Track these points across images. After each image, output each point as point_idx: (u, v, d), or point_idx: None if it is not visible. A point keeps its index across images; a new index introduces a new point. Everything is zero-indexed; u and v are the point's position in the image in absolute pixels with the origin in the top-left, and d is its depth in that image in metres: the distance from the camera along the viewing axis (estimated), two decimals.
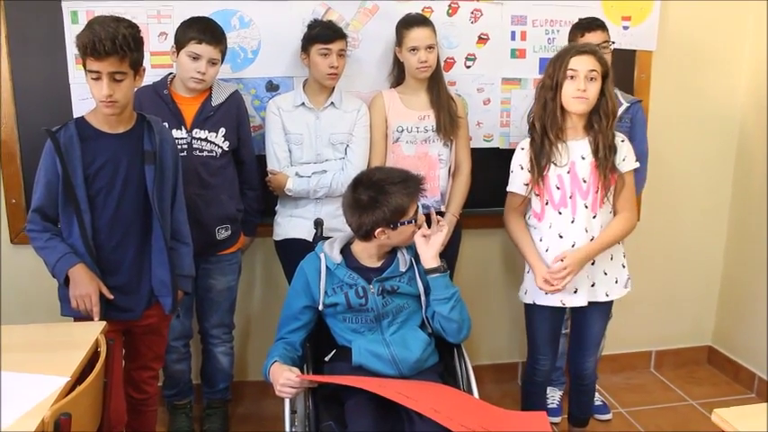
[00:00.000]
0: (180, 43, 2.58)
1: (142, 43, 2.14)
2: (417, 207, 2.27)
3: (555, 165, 2.44)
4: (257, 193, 2.92)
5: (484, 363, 3.40)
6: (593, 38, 2.80)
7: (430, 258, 2.27)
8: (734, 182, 3.56)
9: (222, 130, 2.69)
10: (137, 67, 2.13)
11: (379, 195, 2.19)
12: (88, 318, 2.15)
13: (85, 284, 2.15)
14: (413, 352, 2.21)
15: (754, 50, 3.39)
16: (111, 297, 2.20)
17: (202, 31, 2.57)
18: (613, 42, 2.89)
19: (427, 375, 2.22)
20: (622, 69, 3.12)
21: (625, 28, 3.20)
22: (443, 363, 2.34)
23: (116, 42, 2.02)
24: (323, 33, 2.72)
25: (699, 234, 3.61)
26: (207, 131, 2.67)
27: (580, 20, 2.93)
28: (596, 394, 3.26)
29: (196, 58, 2.56)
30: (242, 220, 2.88)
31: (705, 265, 3.66)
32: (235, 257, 2.90)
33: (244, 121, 2.82)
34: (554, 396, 3.23)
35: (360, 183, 2.26)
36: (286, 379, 2.05)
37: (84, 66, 2.09)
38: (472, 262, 3.32)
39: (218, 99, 2.70)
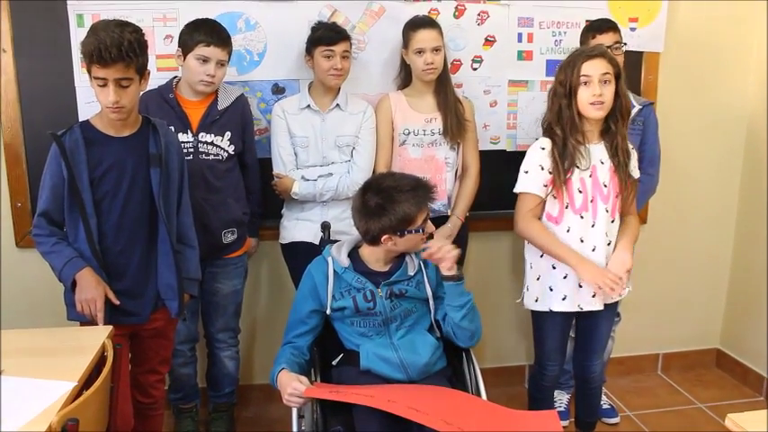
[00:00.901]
0: (187, 47, 2.56)
1: (147, 47, 2.14)
2: (427, 215, 2.25)
3: (578, 168, 2.40)
4: (258, 197, 2.91)
5: (490, 366, 3.39)
6: (604, 39, 2.79)
7: (446, 269, 2.25)
8: (742, 184, 3.55)
9: (228, 134, 2.69)
10: (142, 72, 2.13)
11: (387, 203, 2.17)
12: (94, 322, 2.14)
13: (91, 289, 2.14)
14: (421, 356, 2.21)
15: (762, 51, 3.37)
16: (117, 302, 2.19)
17: (210, 33, 2.56)
18: (625, 44, 2.88)
19: (435, 379, 2.21)
20: (630, 71, 3.09)
21: (632, 29, 3.18)
22: (452, 367, 2.33)
23: (122, 49, 2.01)
24: (326, 35, 2.71)
25: (706, 236, 3.59)
26: (213, 135, 2.66)
27: (591, 22, 2.93)
28: (604, 397, 3.25)
29: (205, 60, 2.55)
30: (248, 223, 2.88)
31: (713, 268, 3.65)
32: (241, 261, 2.89)
33: (248, 125, 2.82)
34: (561, 399, 3.21)
35: (369, 188, 2.24)
36: (293, 389, 2.04)
37: (89, 72, 2.08)
38: (478, 265, 3.31)
39: (224, 103, 2.69)
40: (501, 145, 3.19)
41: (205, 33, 2.55)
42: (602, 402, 3.20)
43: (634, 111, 2.86)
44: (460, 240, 2.95)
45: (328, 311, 2.26)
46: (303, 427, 2.19)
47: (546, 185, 2.43)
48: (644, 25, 3.20)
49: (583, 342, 2.67)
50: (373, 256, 2.30)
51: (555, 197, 2.44)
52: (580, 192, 2.43)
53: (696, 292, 3.65)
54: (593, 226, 2.43)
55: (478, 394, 2.24)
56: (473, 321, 2.26)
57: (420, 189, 2.21)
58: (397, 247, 2.24)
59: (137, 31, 2.09)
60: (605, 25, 2.85)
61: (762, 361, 3.44)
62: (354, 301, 2.24)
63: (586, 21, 3.07)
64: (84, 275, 2.15)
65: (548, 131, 2.44)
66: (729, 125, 3.48)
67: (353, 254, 2.32)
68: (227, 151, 2.69)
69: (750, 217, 3.51)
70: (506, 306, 3.38)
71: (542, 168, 2.42)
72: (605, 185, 2.42)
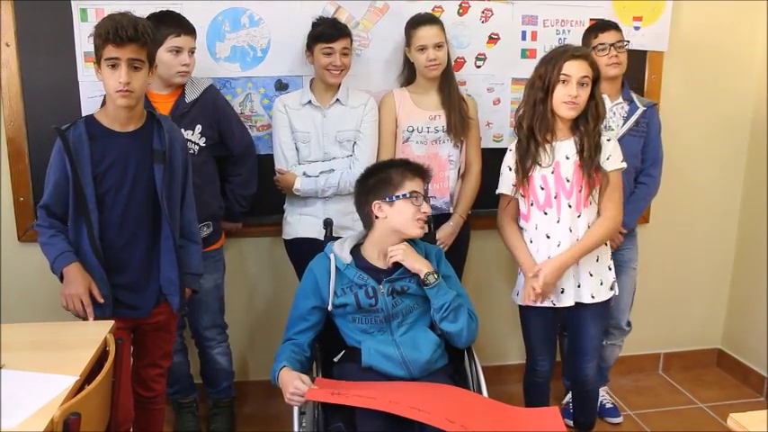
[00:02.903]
0: (156, 42, 2.54)
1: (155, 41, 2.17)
2: (423, 195, 2.26)
3: (539, 165, 2.44)
4: (251, 181, 2.86)
5: (492, 364, 3.38)
6: (607, 37, 2.81)
7: (415, 269, 2.26)
8: (744, 184, 3.54)
9: (198, 127, 2.66)
10: (152, 61, 2.14)
11: (376, 174, 2.29)
12: (83, 318, 2.14)
13: (76, 284, 2.13)
14: (423, 353, 2.20)
15: (766, 51, 3.36)
16: (102, 300, 2.17)
17: (177, 24, 2.56)
18: (628, 42, 2.88)
19: (437, 377, 2.20)
20: (633, 70, 3.10)
21: (636, 28, 3.18)
22: (453, 364, 2.32)
23: (138, 29, 2.05)
24: (326, 32, 2.71)
25: (708, 236, 3.59)
26: (183, 129, 2.61)
27: (594, 23, 2.96)
28: (607, 396, 3.25)
29: (179, 51, 2.55)
30: (226, 209, 2.84)
31: (714, 268, 3.64)
32: (218, 254, 2.88)
33: (224, 115, 2.77)
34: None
35: (367, 170, 2.36)
36: (295, 388, 2.04)
37: (101, 56, 2.08)
38: (480, 262, 3.31)
39: (191, 95, 2.67)
40: (504, 143, 3.18)
41: (173, 25, 2.55)
42: (605, 402, 3.21)
43: (638, 112, 2.87)
44: (462, 238, 2.96)
45: (330, 308, 2.26)
46: (304, 424, 2.19)
47: (514, 185, 2.49)
48: (648, 24, 3.19)
49: (572, 344, 2.67)
50: (375, 251, 2.30)
51: (523, 195, 2.49)
52: (542, 189, 2.45)
53: (698, 292, 3.65)
54: (557, 222, 2.45)
55: (480, 392, 2.24)
56: (454, 323, 2.25)
57: (409, 163, 2.32)
58: (387, 221, 2.25)
59: (147, 22, 2.14)
60: (607, 24, 2.87)
61: (763, 361, 3.43)
62: (356, 298, 2.23)
63: (590, 19, 3.09)
64: (71, 270, 2.15)
65: (517, 128, 2.48)
66: (733, 126, 3.47)
67: (356, 251, 2.32)
68: (198, 144, 2.67)
69: (752, 217, 3.50)
70: (507, 304, 3.33)
71: (510, 169, 2.51)
72: (568, 180, 2.43)
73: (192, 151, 2.65)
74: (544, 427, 2.06)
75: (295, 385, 2.04)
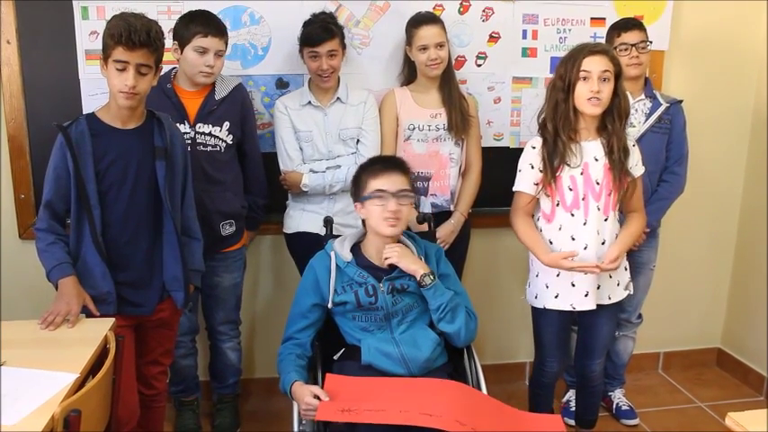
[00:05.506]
0: (184, 39, 2.55)
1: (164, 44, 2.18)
2: (394, 192, 2.24)
3: (568, 165, 2.40)
4: (261, 189, 2.90)
5: (491, 362, 3.39)
6: (630, 37, 2.80)
7: (410, 271, 2.26)
8: (745, 183, 3.55)
9: (226, 124, 2.68)
10: (158, 65, 2.15)
11: (357, 171, 2.37)
12: (92, 315, 2.14)
13: (71, 300, 2.10)
14: (422, 351, 2.20)
15: (766, 51, 3.36)
16: (98, 314, 2.15)
17: (206, 24, 2.56)
18: (651, 42, 2.87)
19: (436, 375, 2.20)
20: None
21: None
22: (453, 362, 2.33)
23: (150, 35, 2.05)
24: (310, 35, 2.69)
25: (708, 235, 3.59)
26: (210, 126, 2.65)
27: (617, 20, 2.95)
28: (623, 398, 3.25)
29: (203, 51, 2.55)
30: (248, 219, 2.87)
31: (714, 267, 3.64)
32: (240, 254, 2.89)
33: (248, 115, 2.80)
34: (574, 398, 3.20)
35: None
36: (307, 405, 2.02)
37: (108, 56, 2.08)
38: (481, 261, 3.31)
39: (221, 93, 2.68)
40: (504, 142, 3.19)
41: (201, 24, 2.55)
42: (621, 404, 3.22)
43: (661, 109, 2.86)
44: (463, 237, 2.96)
45: (330, 306, 2.26)
46: (303, 422, 2.19)
47: (537, 184, 2.44)
48: (649, 23, 3.15)
49: (583, 341, 2.67)
50: (373, 249, 2.30)
51: (547, 195, 2.45)
52: (570, 189, 2.42)
53: (697, 292, 3.65)
54: (584, 224, 2.42)
55: (479, 390, 2.24)
56: (452, 323, 2.26)
57: (374, 161, 2.36)
58: (370, 222, 2.28)
59: (159, 26, 2.13)
60: (631, 23, 2.86)
61: (762, 361, 3.44)
62: (356, 296, 2.24)
63: (591, 18, 3.11)
64: (66, 284, 2.13)
65: (541, 127, 2.44)
66: (733, 125, 3.47)
67: (356, 249, 2.33)
68: (225, 141, 2.68)
69: (752, 217, 3.51)
70: (508, 303, 3.38)
71: (533, 167, 2.44)
72: (598, 183, 2.41)
73: (218, 148, 2.67)
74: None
75: (306, 402, 2.03)
